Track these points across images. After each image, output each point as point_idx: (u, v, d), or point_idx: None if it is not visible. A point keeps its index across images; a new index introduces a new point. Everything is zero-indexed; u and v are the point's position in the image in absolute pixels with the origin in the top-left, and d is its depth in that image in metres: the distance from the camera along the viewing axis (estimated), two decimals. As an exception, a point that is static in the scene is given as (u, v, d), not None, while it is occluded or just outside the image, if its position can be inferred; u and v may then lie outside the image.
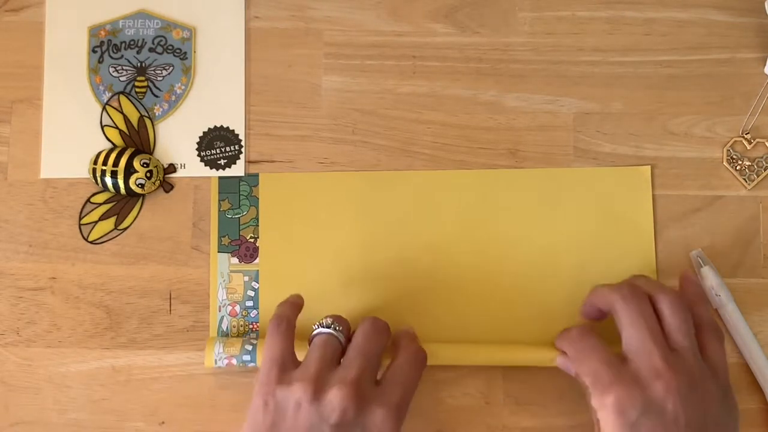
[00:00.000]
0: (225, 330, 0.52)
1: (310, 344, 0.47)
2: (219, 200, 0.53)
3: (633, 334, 0.45)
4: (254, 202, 0.53)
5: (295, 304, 0.49)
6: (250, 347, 0.50)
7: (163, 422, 0.51)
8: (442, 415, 0.51)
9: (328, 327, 0.47)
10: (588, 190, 0.53)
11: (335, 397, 0.43)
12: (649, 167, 0.53)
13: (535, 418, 0.51)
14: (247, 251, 0.53)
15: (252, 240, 0.53)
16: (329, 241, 0.52)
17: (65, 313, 0.52)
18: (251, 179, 0.53)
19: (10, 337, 0.52)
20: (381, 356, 0.47)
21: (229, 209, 0.53)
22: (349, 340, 0.47)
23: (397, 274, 0.52)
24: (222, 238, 0.53)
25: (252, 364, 0.50)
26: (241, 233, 0.53)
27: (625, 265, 0.52)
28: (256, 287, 0.52)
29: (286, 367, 0.45)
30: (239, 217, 0.53)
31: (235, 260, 0.52)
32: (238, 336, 0.52)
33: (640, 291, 0.46)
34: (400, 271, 0.52)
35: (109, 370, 0.52)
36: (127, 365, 0.52)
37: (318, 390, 0.43)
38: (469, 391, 0.51)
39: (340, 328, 0.47)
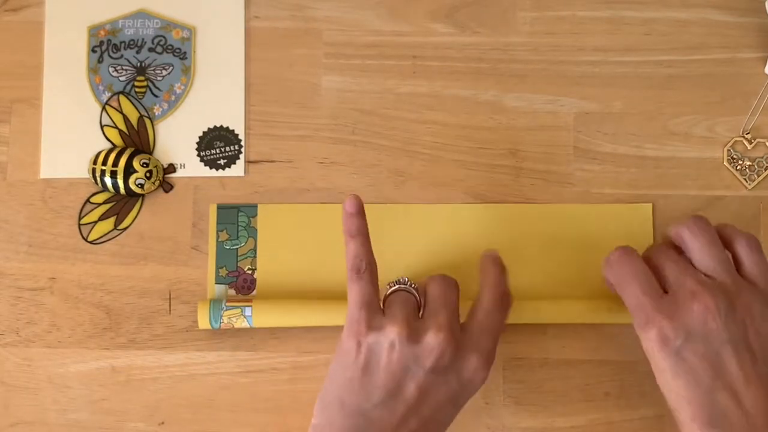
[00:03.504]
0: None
1: (384, 303, 0.46)
2: (217, 231, 0.53)
3: (666, 272, 0.45)
4: (252, 233, 0.52)
5: (364, 235, 0.46)
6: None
7: (162, 422, 0.51)
8: (442, 415, 0.51)
9: (405, 284, 0.46)
10: (588, 227, 0.52)
11: (433, 340, 0.43)
12: (650, 205, 0.52)
13: (535, 418, 0.51)
14: (244, 283, 0.52)
15: (249, 272, 0.52)
16: (328, 274, 0.52)
17: (65, 313, 0.52)
18: (250, 210, 0.53)
19: (10, 337, 0.52)
20: (458, 307, 0.46)
21: (227, 240, 0.52)
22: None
23: None
24: (219, 270, 0.52)
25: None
26: (238, 265, 0.52)
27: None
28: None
29: (375, 310, 0.44)
30: (237, 248, 0.52)
31: (232, 292, 0.52)
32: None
33: (663, 245, 0.47)
34: None
35: (108, 371, 0.52)
36: (126, 365, 0.52)
37: (412, 333, 0.43)
38: (469, 392, 0.51)
39: (415, 285, 0.47)
